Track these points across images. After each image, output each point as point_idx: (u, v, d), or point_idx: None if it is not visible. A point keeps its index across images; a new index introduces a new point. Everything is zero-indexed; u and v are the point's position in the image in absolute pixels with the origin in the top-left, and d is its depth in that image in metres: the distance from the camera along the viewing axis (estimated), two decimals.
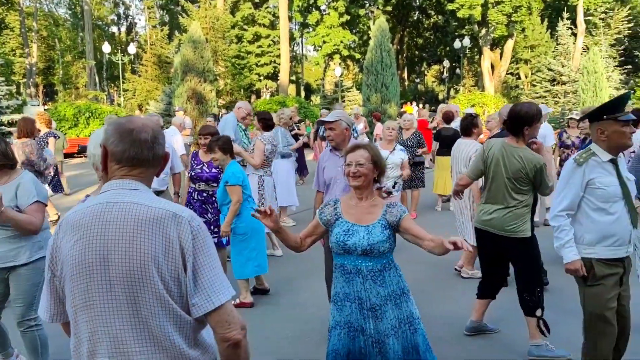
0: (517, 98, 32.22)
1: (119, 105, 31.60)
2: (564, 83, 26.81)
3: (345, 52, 40.83)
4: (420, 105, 33.19)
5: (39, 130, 9.34)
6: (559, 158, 8.34)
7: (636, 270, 4.34)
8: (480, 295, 4.56)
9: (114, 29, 55.23)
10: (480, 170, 4.32)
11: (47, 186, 8.75)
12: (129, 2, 53.97)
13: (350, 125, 4.44)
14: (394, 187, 6.46)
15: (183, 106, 18.91)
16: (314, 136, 14.45)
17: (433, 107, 36.82)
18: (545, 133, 8.89)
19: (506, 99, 29.05)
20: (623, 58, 30.82)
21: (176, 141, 9.33)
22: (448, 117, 9.82)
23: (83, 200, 2.58)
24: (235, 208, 5.14)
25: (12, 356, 4.08)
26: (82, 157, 19.24)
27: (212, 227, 5.87)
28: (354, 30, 43.31)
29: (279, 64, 39.03)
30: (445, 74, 45.13)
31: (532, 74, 34.19)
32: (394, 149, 7.17)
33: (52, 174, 8.42)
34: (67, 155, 15.18)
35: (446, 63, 44.22)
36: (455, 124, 11.16)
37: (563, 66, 27.23)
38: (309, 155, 16.49)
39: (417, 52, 54.32)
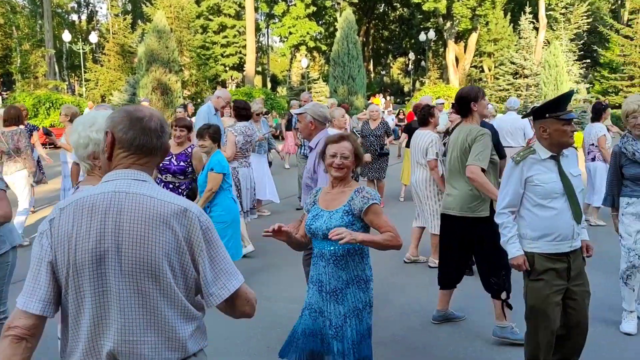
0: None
1: (80, 95, 30.84)
2: (526, 76, 27.39)
3: (311, 44, 40.74)
4: (388, 98, 33.43)
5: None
6: None
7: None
8: (442, 286, 4.68)
9: (74, 17, 53.80)
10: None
11: (38, 175, 8.45)
12: None
13: (317, 118, 4.33)
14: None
15: (148, 97, 18.61)
16: (285, 126, 14.51)
17: (398, 100, 37.22)
18: (525, 125, 9.15)
19: None
20: (582, 52, 31.65)
21: None
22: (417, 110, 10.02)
23: (76, 189, 2.52)
24: (208, 195, 5.24)
25: None
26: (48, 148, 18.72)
27: None
28: (321, 22, 43.21)
29: (245, 55, 38.69)
30: (411, 67, 45.53)
31: (495, 67, 34.83)
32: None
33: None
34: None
35: (412, 56, 44.59)
36: None
37: (525, 60, 27.79)
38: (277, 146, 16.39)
39: (382, 45, 54.59)
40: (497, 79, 30.35)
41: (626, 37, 29.55)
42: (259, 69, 47.43)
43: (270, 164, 11.52)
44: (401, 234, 3.07)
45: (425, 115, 6.33)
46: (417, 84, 45.91)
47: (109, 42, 32.97)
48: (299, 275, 4.75)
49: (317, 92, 32.39)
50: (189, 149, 5.80)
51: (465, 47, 40.04)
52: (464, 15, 34.64)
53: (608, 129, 8.38)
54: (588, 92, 27.90)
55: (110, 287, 1.66)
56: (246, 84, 35.93)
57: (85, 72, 31.58)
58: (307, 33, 39.84)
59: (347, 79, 20.48)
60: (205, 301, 1.78)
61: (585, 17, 32.36)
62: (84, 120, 2.56)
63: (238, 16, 41.82)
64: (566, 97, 3.35)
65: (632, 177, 4.39)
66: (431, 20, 39.34)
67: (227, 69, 41.66)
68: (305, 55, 39.21)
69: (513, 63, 28.58)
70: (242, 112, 6.89)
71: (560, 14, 32.10)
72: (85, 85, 31.50)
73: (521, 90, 27.45)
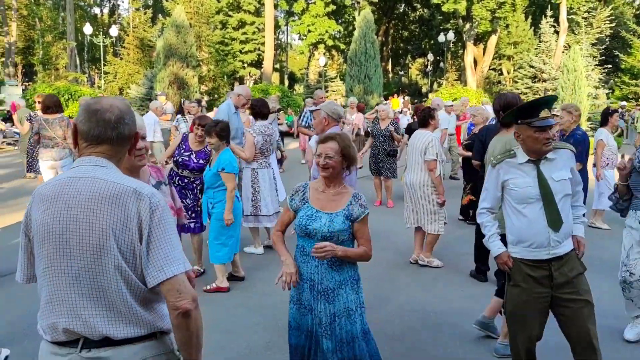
0: (498, 93, 32.50)
1: (99, 87, 31.16)
2: (544, 80, 27.12)
3: (330, 42, 40.71)
4: (406, 98, 33.20)
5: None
6: None
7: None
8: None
9: (97, 10, 54.37)
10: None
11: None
12: None
13: (330, 115, 4.52)
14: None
15: (164, 91, 18.76)
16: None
17: (416, 100, 37.00)
18: None
19: (488, 94, 29.28)
20: (604, 57, 31.24)
21: (157, 127, 9.29)
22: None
23: None
24: (232, 195, 5.28)
25: None
26: None
27: (189, 212, 5.89)
28: (340, 21, 43.17)
29: (263, 52, 38.79)
30: (430, 68, 45.29)
31: (514, 70, 34.50)
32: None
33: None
34: None
35: (430, 56, 44.36)
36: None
37: (544, 63, 27.52)
38: (291, 145, 16.47)
39: (402, 45, 54.37)
40: (516, 82, 30.07)
41: None
42: (277, 66, 47.50)
43: (280, 161, 11.59)
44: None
45: (425, 117, 6.33)
46: (435, 85, 45.69)
47: (129, 36, 33.25)
48: None
49: (333, 91, 32.37)
50: (209, 147, 5.82)
51: (484, 49, 39.75)
52: (484, 18, 34.37)
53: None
54: (608, 98, 27.57)
55: (58, 266, 1.80)
56: (264, 80, 36.03)
57: (104, 65, 31.90)
58: (326, 31, 39.81)
59: (363, 78, 20.47)
60: (146, 280, 1.82)
61: (608, 22, 31.93)
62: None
63: (258, 13, 41.93)
64: (538, 103, 3.18)
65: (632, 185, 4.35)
66: (451, 21, 39.09)
67: (246, 65, 41.76)
68: (324, 54, 39.19)
69: (532, 67, 28.32)
70: (262, 110, 6.67)
71: (583, 18, 31.71)
72: (104, 78, 31.82)
73: (539, 94, 27.19)
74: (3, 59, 34.63)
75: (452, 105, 12.74)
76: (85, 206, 1.77)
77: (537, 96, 26.78)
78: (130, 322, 1.81)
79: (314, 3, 40.19)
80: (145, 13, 36.16)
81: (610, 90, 30.69)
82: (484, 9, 33.74)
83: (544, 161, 3.20)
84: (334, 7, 40.16)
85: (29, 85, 31.92)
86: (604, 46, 31.87)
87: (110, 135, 1.88)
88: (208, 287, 5.49)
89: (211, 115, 9.93)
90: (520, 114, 3.18)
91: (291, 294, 3.18)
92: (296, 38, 50.30)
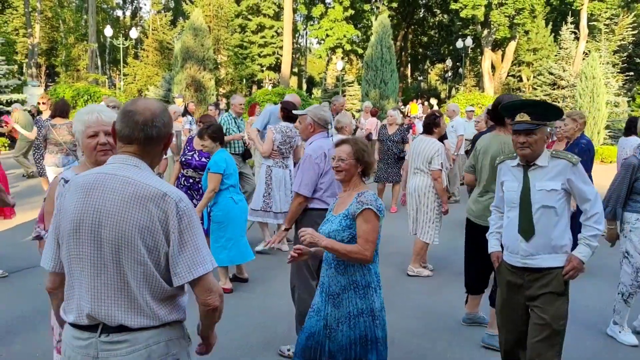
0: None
1: (118, 89, 31.58)
2: (563, 87, 26.83)
3: (348, 47, 40.72)
4: (426, 104, 33.01)
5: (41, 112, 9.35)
6: None
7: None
8: (469, 292, 4.75)
9: (119, 12, 55.16)
10: (472, 165, 4.51)
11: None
12: None
13: (317, 120, 4.30)
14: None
15: (182, 93, 18.95)
16: None
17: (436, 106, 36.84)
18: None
19: None
20: (626, 65, 30.77)
21: None
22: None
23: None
24: (210, 196, 5.30)
25: None
26: None
27: None
28: (359, 25, 43.16)
29: (282, 56, 38.97)
30: (449, 73, 45.07)
31: (533, 77, 34.17)
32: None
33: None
34: None
35: (449, 62, 44.14)
36: (452, 123, 11.28)
37: (564, 70, 27.23)
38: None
39: (421, 50, 54.18)
40: (535, 89, 29.78)
41: None
42: (296, 70, 47.63)
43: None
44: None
45: (430, 124, 6.19)
46: (453, 91, 45.45)
47: (149, 38, 33.66)
48: None
49: (351, 95, 32.36)
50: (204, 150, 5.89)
51: (502, 55, 39.44)
52: (501, 24, 34.10)
53: None
54: (629, 106, 27.13)
55: (87, 256, 1.92)
56: (281, 84, 36.19)
57: (124, 67, 32.32)
58: (344, 36, 39.83)
59: (379, 83, 20.46)
60: (172, 280, 1.96)
61: (630, 29, 31.45)
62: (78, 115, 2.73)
63: (277, 17, 42.12)
64: (516, 105, 3.12)
65: None
66: (470, 27, 38.85)
67: (264, 69, 41.97)
68: (342, 58, 39.21)
69: (551, 74, 28.02)
70: (289, 113, 6.71)
71: (604, 25, 31.29)
72: (123, 79, 32.23)
73: (558, 102, 26.89)
74: (26, 60, 35.25)
75: (473, 111, 12.68)
76: (118, 203, 1.89)
77: (556, 103, 26.51)
78: (146, 316, 1.93)
79: (333, 8, 40.27)
80: (165, 16, 36.58)
81: (631, 98, 30.18)
82: (502, 15, 33.48)
83: (534, 167, 3.12)
84: (353, 12, 40.17)
85: (51, 85, 32.46)
86: (626, 54, 31.41)
87: (138, 136, 1.98)
88: None
89: (252, 120, 9.85)
90: (505, 112, 3.19)
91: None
92: (315, 42, 50.37)
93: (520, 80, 39.70)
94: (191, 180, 6.07)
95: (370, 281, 2.98)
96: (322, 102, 23.06)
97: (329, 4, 41.80)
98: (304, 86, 48.45)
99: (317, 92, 43.92)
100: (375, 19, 27.93)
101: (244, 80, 39.72)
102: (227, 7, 31.01)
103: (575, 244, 3.15)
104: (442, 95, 48.36)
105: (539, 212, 3.07)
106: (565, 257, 3.09)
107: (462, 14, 34.71)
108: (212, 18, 28.35)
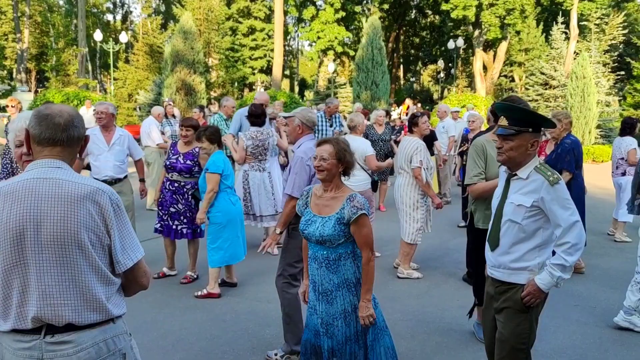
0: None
1: (108, 93, 31.42)
2: (554, 87, 26.89)
3: (339, 49, 40.72)
4: (419, 105, 33.01)
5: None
6: None
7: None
8: (479, 302, 4.36)
9: (109, 17, 54.96)
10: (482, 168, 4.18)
11: None
12: None
13: (305, 122, 4.26)
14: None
15: (172, 97, 18.85)
16: None
17: (427, 107, 36.83)
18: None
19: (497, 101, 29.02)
20: (617, 64, 30.90)
21: (152, 130, 9.29)
22: None
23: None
24: (210, 196, 5.27)
25: None
26: None
27: (181, 218, 5.87)
28: (350, 27, 43.18)
29: (273, 58, 38.95)
30: (441, 74, 45.17)
31: (525, 77, 34.27)
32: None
33: None
34: None
35: (441, 63, 44.24)
36: (443, 124, 11.27)
37: (555, 70, 27.30)
38: None
39: (413, 51, 54.28)
40: (527, 89, 29.85)
41: None
42: (288, 72, 47.62)
43: (283, 166, 11.52)
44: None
45: (409, 124, 6.36)
46: (445, 92, 45.52)
47: (139, 42, 33.53)
48: None
49: (343, 97, 32.33)
50: (196, 149, 5.86)
51: (494, 56, 39.56)
52: (492, 24, 34.21)
53: None
54: (620, 105, 27.24)
55: (29, 260, 1.94)
56: (273, 87, 36.14)
57: (114, 71, 32.18)
58: (335, 38, 39.83)
59: (370, 84, 20.41)
60: (115, 268, 2.07)
61: (621, 28, 31.59)
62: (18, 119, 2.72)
63: (268, 19, 42.12)
64: (498, 107, 3.03)
65: None
66: (461, 28, 38.95)
67: (255, 71, 41.94)
68: (334, 60, 39.20)
69: (543, 73, 28.09)
70: (255, 118, 6.77)
71: (595, 24, 31.43)
72: (113, 83, 32.10)
73: (550, 102, 26.95)
74: (16, 65, 35.06)
75: (458, 112, 12.68)
76: (56, 205, 1.93)
77: (548, 103, 26.58)
78: (94, 310, 2.00)
79: (324, 10, 40.27)
80: (155, 20, 36.48)
81: (622, 98, 30.32)
82: (492, 16, 33.59)
83: (515, 178, 2.92)
84: (344, 14, 40.19)
85: (41, 91, 32.28)
86: (617, 53, 31.55)
87: (62, 138, 2.02)
88: (199, 292, 5.46)
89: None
90: (495, 114, 3.14)
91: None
92: (307, 44, 50.41)
93: (513, 80, 39.84)
94: (176, 185, 5.98)
95: (360, 278, 3.07)
96: (314, 103, 23.02)
97: (320, 6, 41.79)
98: (296, 89, 48.48)
99: (309, 95, 43.94)
100: (366, 20, 27.94)
101: (236, 83, 39.64)
102: (217, 10, 30.93)
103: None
104: (435, 97, 48.47)
105: (505, 226, 2.90)
106: (530, 276, 2.85)
107: (453, 15, 34.83)
108: (202, 21, 28.25)
